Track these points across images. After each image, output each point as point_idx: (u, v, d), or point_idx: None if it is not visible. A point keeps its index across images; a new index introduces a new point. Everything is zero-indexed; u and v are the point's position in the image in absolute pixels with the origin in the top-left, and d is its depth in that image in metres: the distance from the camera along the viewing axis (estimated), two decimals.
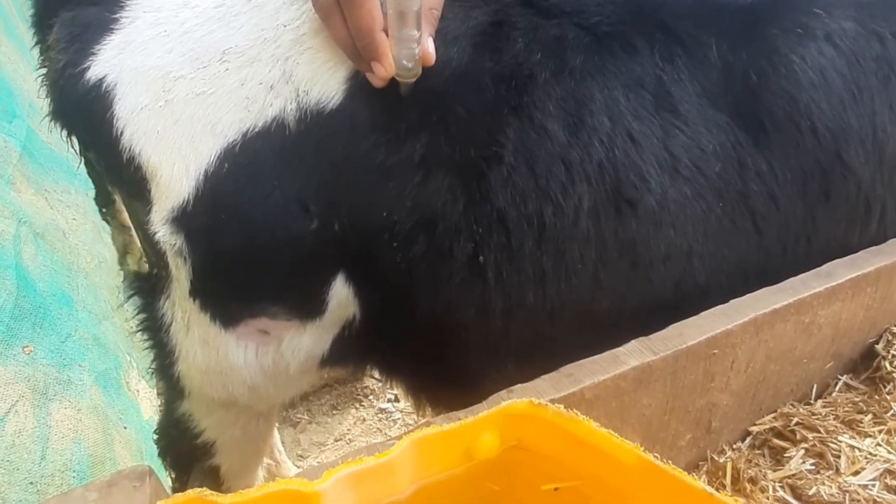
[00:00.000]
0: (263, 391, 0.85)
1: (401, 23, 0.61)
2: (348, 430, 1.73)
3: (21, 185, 1.58)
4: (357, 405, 1.78)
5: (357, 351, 0.85)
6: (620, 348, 0.66)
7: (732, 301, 0.72)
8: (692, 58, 0.78)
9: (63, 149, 1.78)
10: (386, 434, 1.71)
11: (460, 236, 0.69)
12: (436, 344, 0.78)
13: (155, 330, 0.85)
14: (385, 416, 1.76)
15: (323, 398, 1.79)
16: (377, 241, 0.71)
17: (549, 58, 0.72)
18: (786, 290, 0.74)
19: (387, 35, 0.63)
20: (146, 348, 0.91)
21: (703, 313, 0.70)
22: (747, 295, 0.73)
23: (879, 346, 0.86)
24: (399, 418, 1.74)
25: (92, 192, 1.87)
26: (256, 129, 0.69)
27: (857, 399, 0.84)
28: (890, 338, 0.86)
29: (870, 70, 0.83)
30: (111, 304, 1.64)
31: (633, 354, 0.66)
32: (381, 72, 0.64)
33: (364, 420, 1.75)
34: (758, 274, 0.80)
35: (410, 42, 0.62)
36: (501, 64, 0.70)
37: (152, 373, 0.94)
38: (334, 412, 1.76)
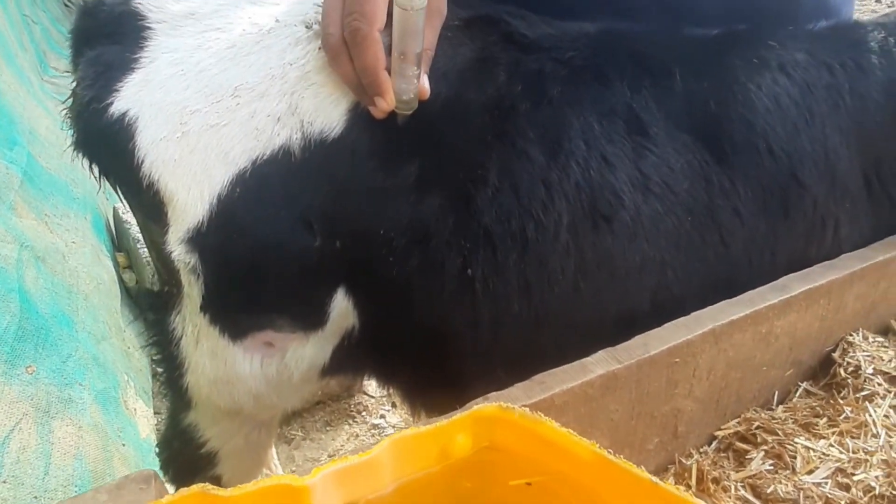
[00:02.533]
0: (267, 399, 0.91)
1: (403, 63, 0.69)
2: (342, 445, 1.77)
3: (22, 211, 1.63)
4: (350, 421, 1.83)
5: (356, 359, 0.91)
6: (588, 358, 0.71)
7: (694, 313, 0.78)
8: (659, 86, 0.86)
9: (62, 174, 1.84)
10: None
11: (451, 251, 0.76)
12: (430, 352, 0.85)
13: (165, 344, 0.91)
14: (378, 431, 1.80)
15: (317, 415, 1.83)
16: (375, 256, 0.78)
17: (529, 89, 0.79)
18: (743, 303, 0.80)
19: (388, 73, 0.71)
20: (155, 362, 0.97)
21: (666, 325, 0.76)
22: (707, 308, 0.80)
23: (836, 355, 0.92)
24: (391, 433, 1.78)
25: (90, 216, 1.91)
26: (265, 157, 0.76)
27: (814, 404, 0.88)
28: (845, 346, 0.92)
29: (821, 97, 0.92)
30: (110, 325, 1.69)
31: (600, 363, 0.70)
32: (383, 105, 0.72)
33: (357, 436, 1.80)
34: (726, 285, 0.86)
35: (411, 80, 0.70)
36: (486, 96, 0.78)
37: (157, 389, 0.99)
38: (328, 428, 1.81)
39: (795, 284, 0.84)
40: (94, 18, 0.84)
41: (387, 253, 0.77)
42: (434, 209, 0.76)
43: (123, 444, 1.45)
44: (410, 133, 0.76)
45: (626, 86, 0.84)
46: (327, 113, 0.75)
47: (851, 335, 0.94)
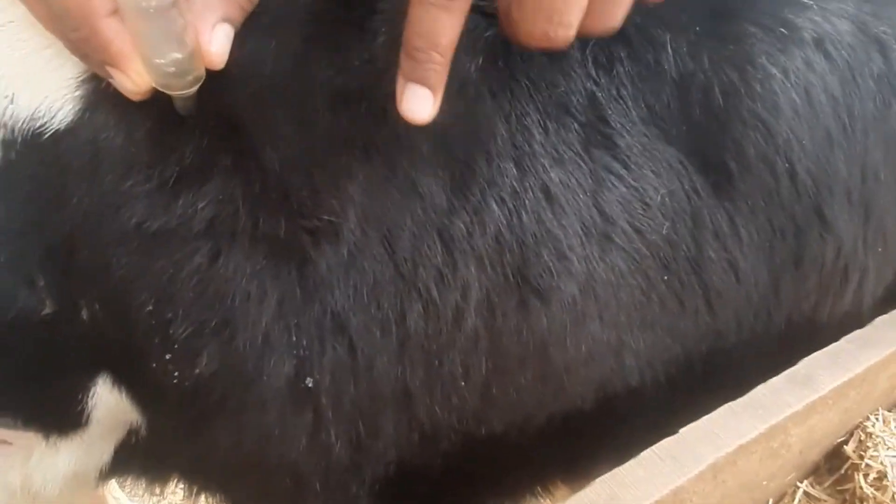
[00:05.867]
0: None
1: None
2: None
3: None
4: None
5: (154, 460, 0.59)
6: None
7: (683, 431, 0.50)
8: (638, 63, 0.54)
9: None
10: None
11: (274, 350, 0.44)
12: (255, 479, 0.53)
13: None
14: None
15: None
16: (144, 346, 0.45)
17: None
18: (753, 411, 0.52)
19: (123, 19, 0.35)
20: None
21: (643, 456, 0.48)
22: (703, 419, 0.51)
23: (849, 448, 0.67)
24: None
25: None
26: None
27: None
28: (862, 437, 0.67)
29: (866, 92, 0.62)
30: None
31: None
32: (127, 83, 0.37)
33: None
34: (704, 360, 0.60)
35: (169, 27, 0.35)
36: (346, 71, 0.43)
37: None
38: None
39: (823, 377, 0.57)
40: None
41: (162, 345, 0.44)
42: (242, 278, 0.42)
43: None
44: (200, 133, 0.41)
45: (589, 60, 0.52)
46: (41, 81, 0.40)
47: (870, 420, 0.69)
